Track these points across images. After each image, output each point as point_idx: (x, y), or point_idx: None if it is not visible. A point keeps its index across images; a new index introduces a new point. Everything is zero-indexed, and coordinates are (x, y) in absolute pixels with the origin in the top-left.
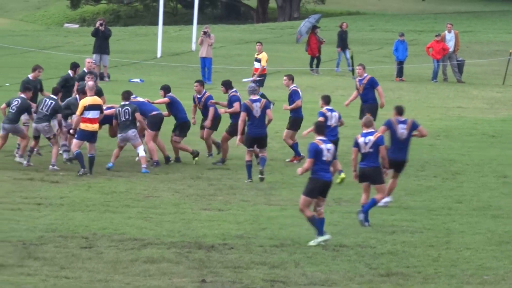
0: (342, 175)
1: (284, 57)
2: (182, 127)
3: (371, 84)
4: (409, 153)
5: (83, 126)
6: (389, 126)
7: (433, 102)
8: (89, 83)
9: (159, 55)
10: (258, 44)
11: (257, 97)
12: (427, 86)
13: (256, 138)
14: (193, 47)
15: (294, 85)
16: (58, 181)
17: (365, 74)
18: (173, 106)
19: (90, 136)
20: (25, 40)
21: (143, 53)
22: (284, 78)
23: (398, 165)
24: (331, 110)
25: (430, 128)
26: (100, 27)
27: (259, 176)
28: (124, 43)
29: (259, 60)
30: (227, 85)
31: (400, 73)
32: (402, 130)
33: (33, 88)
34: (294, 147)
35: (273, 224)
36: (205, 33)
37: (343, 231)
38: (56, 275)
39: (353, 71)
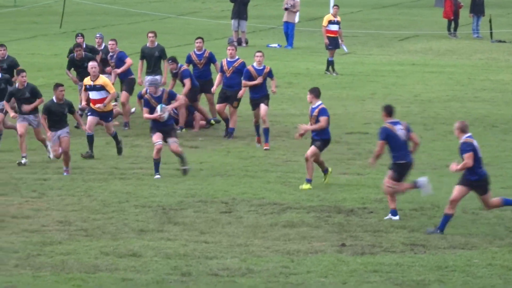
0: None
1: (422, 21)
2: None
3: None
4: None
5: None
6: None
7: None
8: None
9: (297, 20)
10: (335, 7)
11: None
12: None
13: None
14: (331, 11)
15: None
16: (198, 146)
17: None
18: None
19: (101, 116)
20: (163, 6)
21: (281, 18)
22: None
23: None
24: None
25: None
26: None
27: None
28: (262, 8)
29: (336, 23)
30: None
31: None
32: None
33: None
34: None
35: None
36: None
37: None
38: (196, 240)
39: (491, 34)
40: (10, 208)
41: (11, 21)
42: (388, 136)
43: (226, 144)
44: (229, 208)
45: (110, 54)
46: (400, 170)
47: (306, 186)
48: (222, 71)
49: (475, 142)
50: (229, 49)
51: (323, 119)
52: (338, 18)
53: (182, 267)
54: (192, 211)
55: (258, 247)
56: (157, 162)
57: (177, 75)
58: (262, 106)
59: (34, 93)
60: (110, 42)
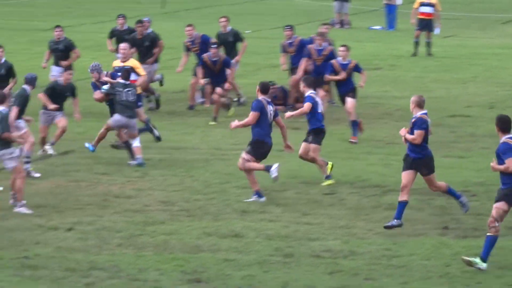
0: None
1: None
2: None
3: None
4: None
5: None
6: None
7: None
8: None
9: (399, 1)
10: None
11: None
12: None
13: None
14: None
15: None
16: (299, 128)
17: None
18: None
19: None
20: None
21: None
22: None
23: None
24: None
25: None
26: None
27: None
28: None
29: (429, 5)
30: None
31: None
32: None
33: None
34: None
35: None
36: None
37: None
38: (297, 221)
39: None
40: (113, 188)
41: (114, 0)
42: (262, 109)
43: (328, 126)
44: (331, 189)
45: (190, 39)
46: (257, 147)
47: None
48: (309, 56)
49: (429, 121)
50: (317, 39)
51: (305, 104)
52: (433, 0)
53: (284, 248)
54: (294, 193)
55: (360, 229)
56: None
57: (291, 46)
58: (348, 100)
59: (74, 92)
60: (187, 28)
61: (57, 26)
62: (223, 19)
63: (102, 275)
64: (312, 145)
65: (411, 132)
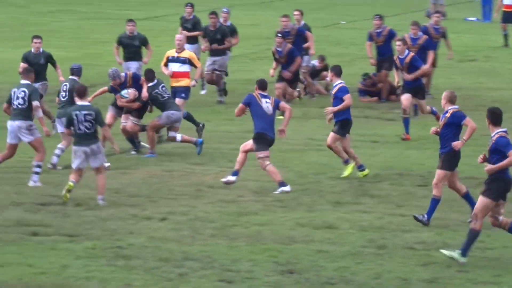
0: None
1: None
2: None
3: None
4: None
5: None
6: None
7: None
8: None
9: None
10: None
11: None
12: None
13: None
14: None
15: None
16: (394, 119)
17: None
18: None
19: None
20: None
21: None
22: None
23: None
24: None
25: None
26: None
27: None
28: None
29: None
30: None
31: None
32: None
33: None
34: None
35: None
36: None
37: None
38: (391, 213)
39: None
40: (206, 178)
41: None
42: (250, 103)
43: (423, 117)
44: (425, 181)
45: (286, 30)
46: (260, 139)
47: (363, 172)
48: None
49: None
50: (412, 28)
51: (346, 97)
52: None
53: (377, 239)
54: (388, 184)
55: (453, 221)
56: (130, 140)
57: (380, 36)
58: (420, 102)
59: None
60: (283, 19)
61: (130, 20)
62: (297, 12)
63: (195, 266)
64: (332, 133)
65: (446, 128)
